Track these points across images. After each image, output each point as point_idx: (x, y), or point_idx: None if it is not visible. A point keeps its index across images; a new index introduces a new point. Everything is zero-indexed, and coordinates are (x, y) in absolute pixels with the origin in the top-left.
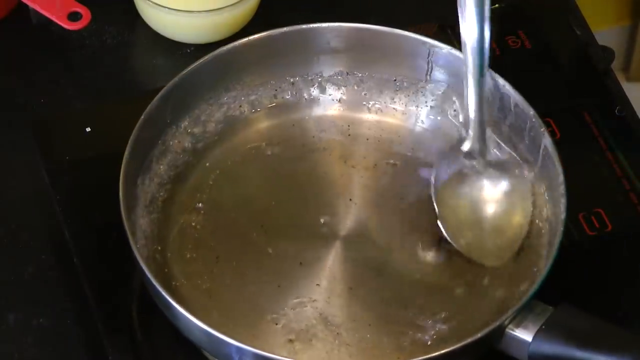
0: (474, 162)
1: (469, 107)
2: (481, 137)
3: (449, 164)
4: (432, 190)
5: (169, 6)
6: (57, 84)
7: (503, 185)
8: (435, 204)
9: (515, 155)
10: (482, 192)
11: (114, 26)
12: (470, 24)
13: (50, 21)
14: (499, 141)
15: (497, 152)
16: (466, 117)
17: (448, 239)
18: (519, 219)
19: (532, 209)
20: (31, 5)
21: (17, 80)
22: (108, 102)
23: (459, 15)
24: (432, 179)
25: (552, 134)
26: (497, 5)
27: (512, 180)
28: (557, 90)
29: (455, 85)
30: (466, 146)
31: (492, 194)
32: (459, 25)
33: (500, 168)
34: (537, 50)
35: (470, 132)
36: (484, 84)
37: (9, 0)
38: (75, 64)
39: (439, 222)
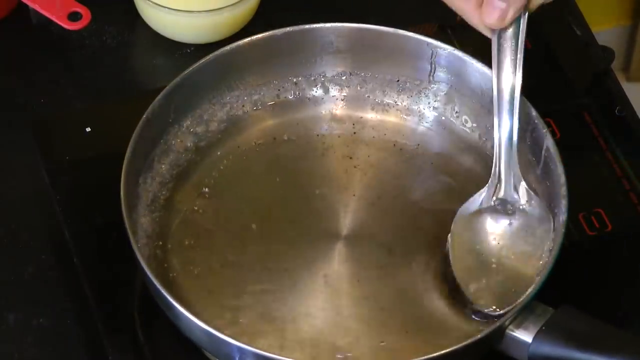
0: (500, 207)
1: (501, 156)
2: (514, 186)
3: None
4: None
5: (169, 6)
6: (57, 84)
7: (522, 231)
8: (449, 246)
9: (543, 206)
10: (499, 237)
11: (114, 26)
12: (507, 72)
13: (50, 21)
14: (529, 191)
15: (526, 203)
16: (497, 164)
17: (458, 281)
18: (531, 269)
19: (545, 259)
20: (31, 5)
21: (17, 80)
22: (108, 102)
23: (493, 62)
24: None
25: (552, 134)
26: None
27: (534, 227)
28: (557, 90)
29: (458, 86)
30: (500, 193)
31: (509, 239)
32: (493, 72)
33: (525, 215)
34: (537, 50)
35: (503, 180)
36: (517, 131)
37: (9, 0)
38: (75, 64)
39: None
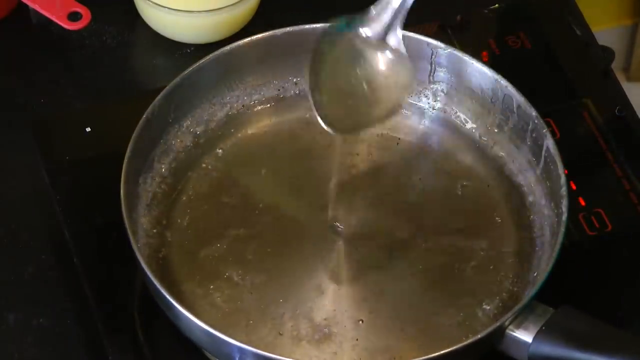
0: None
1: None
2: (388, 27)
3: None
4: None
5: (169, 6)
6: (57, 84)
7: (384, 62)
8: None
9: (407, 56)
10: (360, 63)
11: (114, 26)
12: None
13: (50, 21)
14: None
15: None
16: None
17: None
18: (394, 94)
19: (400, 101)
20: (31, 5)
21: (17, 80)
22: (108, 102)
23: None
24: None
25: (552, 134)
26: (497, 5)
27: (396, 67)
28: (557, 90)
29: (458, 86)
30: (368, 31)
31: (369, 69)
32: None
33: (391, 54)
34: (537, 50)
35: (384, 18)
36: None
37: (9, 0)
38: (75, 64)
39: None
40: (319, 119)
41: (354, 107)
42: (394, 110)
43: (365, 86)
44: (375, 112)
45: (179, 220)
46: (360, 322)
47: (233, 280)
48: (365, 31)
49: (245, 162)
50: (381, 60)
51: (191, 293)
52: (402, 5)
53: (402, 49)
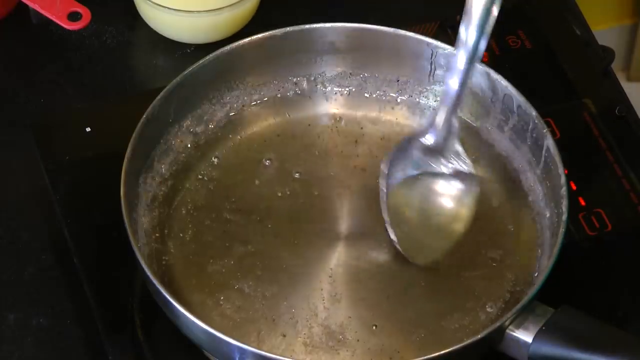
0: (428, 159)
1: (447, 98)
2: (447, 135)
3: (404, 157)
4: (383, 183)
5: (169, 6)
6: (57, 84)
7: (452, 189)
8: (384, 194)
9: (470, 166)
10: (429, 191)
11: (114, 26)
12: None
13: (50, 21)
14: (459, 151)
15: (457, 160)
16: (439, 109)
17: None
18: (458, 226)
19: (470, 220)
20: (31, 5)
21: (17, 80)
22: (108, 102)
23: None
24: (385, 169)
25: (552, 134)
26: None
27: (462, 187)
28: (557, 90)
29: None
30: (429, 139)
31: (439, 195)
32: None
33: (453, 173)
34: (537, 50)
35: (439, 126)
36: (470, 75)
37: (9, 0)
38: (75, 64)
39: (382, 207)
40: (402, 251)
41: (429, 233)
42: (465, 225)
43: (435, 208)
44: (449, 231)
45: (181, 235)
46: (360, 322)
47: (233, 281)
48: (426, 141)
49: (244, 162)
50: (446, 177)
51: (191, 293)
52: (451, 102)
53: (466, 158)
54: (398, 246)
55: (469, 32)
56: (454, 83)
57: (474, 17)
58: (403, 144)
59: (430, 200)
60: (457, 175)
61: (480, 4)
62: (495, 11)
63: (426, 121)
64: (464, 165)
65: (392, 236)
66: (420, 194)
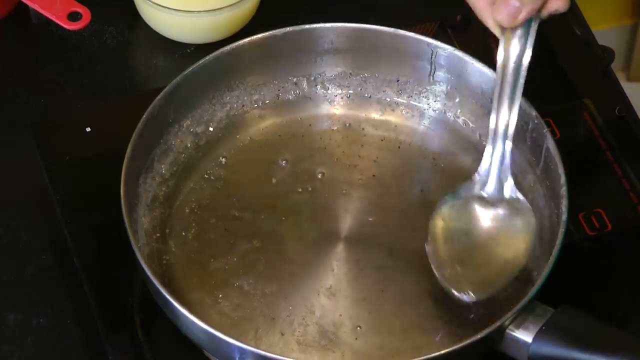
0: (483, 197)
1: (495, 148)
2: (501, 183)
3: (458, 198)
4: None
5: (169, 6)
6: (57, 84)
7: (505, 221)
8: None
9: (526, 200)
10: (480, 224)
11: (114, 26)
12: (515, 46)
13: (50, 21)
14: (515, 189)
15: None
16: (489, 159)
17: (433, 267)
18: (512, 257)
19: (529, 252)
20: (31, 5)
21: (17, 80)
22: (108, 102)
23: (500, 35)
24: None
25: (552, 134)
26: None
27: (517, 219)
28: (557, 90)
29: (458, 86)
30: (486, 191)
31: (492, 228)
32: (498, 49)
33: (509, 206)
34: (537, 50)
35: (493, 177)
36: (515, 118)
37: (9, 0)
38: (75, 64)
39: (426, 247)
40: (447, 286)
41: (482, 269)
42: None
43: (489, 248)
44: (504, 270)
45: (183, 233)
46: (360, 322)
47: (233, 281)
48: (483, 193)
49: (244, 162)
50: (501, 216)
51: (191, 293)
52: (502, 159)
53: (520, 196)
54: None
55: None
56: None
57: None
58: (458, 192)
59: (484, 231)
60: (511, 209)
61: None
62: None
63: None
64: (518, 198)
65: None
66: (472, 225)
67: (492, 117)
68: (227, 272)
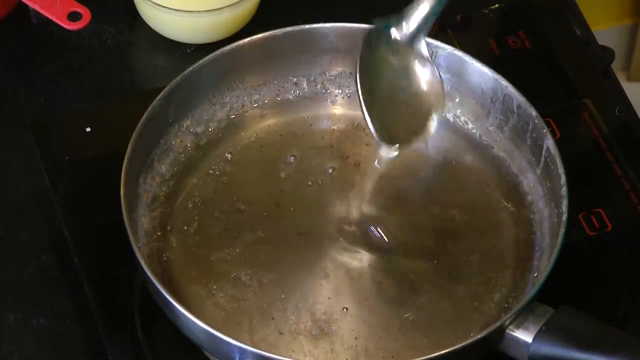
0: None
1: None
2: (419, 30)
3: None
4: (357, 72)
5: (169, 6)
6: (57, 84)
7: (418, 72)
8: (358, 86)
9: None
10: (399, 76)
11: (114, 26)
12: None
13: (50, 21)
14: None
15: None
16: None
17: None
18: (429, 108)
19: (444, 104)
20: (31, 5)
21: (17, 80)
22: (108, 102)
23: None
24: (357, 61)
25: (552, 134)
26: (497, 5)
27: (427, 72)
28: (557, 90)
29: (458, 86)
30: (402, 35)
31: (407, 79)
32: None
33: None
34: (537, 50)
35: (414, 21)
36: None
37: (9, 0)
38: (75, 64)
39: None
40: (373, 132)
41: (400, 116)
42: (432, 124)
43: (405, 95)
44: (416, 123)
45: (185, 227)
46: (360, 322)
47: (233, 280)
48: (395, 34)
49: (244, 162)
50: (414, 69)
51: (191, 292)
52: (430, 12)
53: (426, 54)
54: (374, 133)
55: None
56: None
57: None
58: (371, 38)
59: (401, 84)
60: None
61: None
62: None
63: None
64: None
65: (370, 125)
66: (390, 80)
67: None
68: (228, 263)
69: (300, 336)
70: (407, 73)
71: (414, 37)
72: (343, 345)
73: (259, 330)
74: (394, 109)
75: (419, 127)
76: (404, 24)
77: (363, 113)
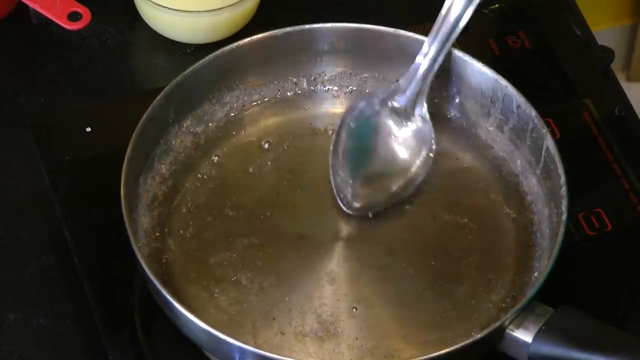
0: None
1: (427, 57)
2: (417, 97)
3: (364, 109)
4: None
5: (169, 6)
6: (57, 84)
7: (406, 135)
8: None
9: (431, 123)
10: (383, 133)
11: (114, 26)
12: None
13: (50, 21)
14: (426, 113)
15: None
16: (416, 69)
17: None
18: (401, 169)
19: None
20: (31, 5)
21: (17, 80)
22: (108, 102)
23: None
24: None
25: (552, 134)
26: (497, 5)
27: (418, 136)
28: (557, 90)
29: (458, 86)
30: (401, 101)
31: (392, 139)
32: None
33: (414, 123)
34: (537, 50)
35: (412, 88)
36: (455, 34)
37: (9, 0)
38: (75, 64)
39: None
40: (338, 200)
41: (378, 183)
42: (416, 179)
43: (389, 157)
44: (397, 183)
45: (181, 231)
46: (360, 322)
47: (233, 280)
48: (395, 103)
49: (244, 162)
50: (406, 129)
51: (191, 293)
52: (429, 72)
53: (427, 116)
54: (335, 192)
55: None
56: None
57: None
58: (369, 100)
59: (381, 148)
60: (416, 134)
61: None
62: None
63: (400, 83)
64: (425, 126)
65: (332, 181)
66: (372, 143)
67: (430, 38)
68: (225, 267)
69: (305, 337)
70: (399, 136)
71: (414, 103)
72: (346, 346)
73: (262, 333)
74: (374, 171)
75: (399, 189)
76: (403, 92)
77: (330, 175)
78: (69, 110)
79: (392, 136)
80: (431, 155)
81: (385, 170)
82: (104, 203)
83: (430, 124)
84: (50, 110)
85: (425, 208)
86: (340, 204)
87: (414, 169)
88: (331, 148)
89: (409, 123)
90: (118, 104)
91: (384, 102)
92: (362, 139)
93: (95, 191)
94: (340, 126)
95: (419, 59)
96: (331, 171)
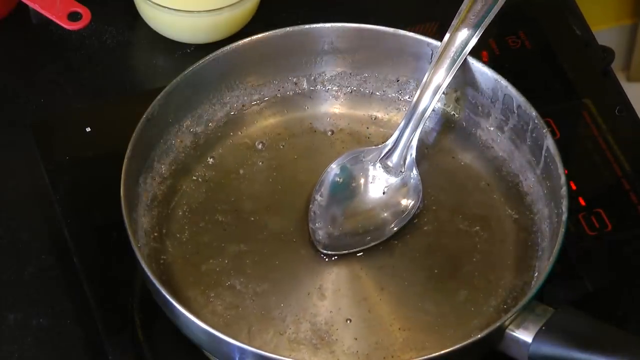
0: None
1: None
2: (405, 154)
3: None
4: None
5: (169, 6)
6: (57, 84)
7: (393, 188)
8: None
9: (419, 177)
10: (369, 184)
11: (114, 26)
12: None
13: (50, 21)
14: (414, 165)
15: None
16: (404, 127)
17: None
18: (382, 222)
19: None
20: (31, 5)
21: (17, 80)
22: (108, 102)
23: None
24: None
25: (552, 134)
26: None
27: (404, 190)
28: (557, 90)
29: (458, 86)
30: (392, 161)
31: (379, 191)
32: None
33: (402, 177)
34: (537, 50)
35: (400, 147)
36: (433, 104)
37: (9, 0)
38: (75, 64)
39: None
40: (314, 239)
41: (354, 234)
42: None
43: (369, 210)
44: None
45: (178, 235)
46: (360, 322)
47: (232, 280)
48: (386, 163)
49: (244, 162)
50: (391, 182)
51: (191, 293)
52: (411, 137)
53: (415, 172)
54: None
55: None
56: (424, 101)
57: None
58: (358, 156)
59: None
60: (403, 186)
61: None
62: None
63: (390, 140)
64: (412, 180)
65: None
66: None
67: (417, 94)
68: (222, 272)
69: (301, 341)
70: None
71: (404, 160)
72: (343, 348)
73: (257, 337)
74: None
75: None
76: (391, 152)
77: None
78: (69, 110)
79: (376, 189)
80: (414, 211)
81: (363, 223)
82: (103, 203)
83: (418, 178)
84: (50, 110)
85: (424, 208)
86: (315, 242)
87: (393, 224)
88: (313, 195)
89: (395, 178)
90: (118, 104)
91: (372, 161)
92: (344, 190)
93: (95, 191)
94: (325, 175)
95: (401, 125)
96: (310, 215)
